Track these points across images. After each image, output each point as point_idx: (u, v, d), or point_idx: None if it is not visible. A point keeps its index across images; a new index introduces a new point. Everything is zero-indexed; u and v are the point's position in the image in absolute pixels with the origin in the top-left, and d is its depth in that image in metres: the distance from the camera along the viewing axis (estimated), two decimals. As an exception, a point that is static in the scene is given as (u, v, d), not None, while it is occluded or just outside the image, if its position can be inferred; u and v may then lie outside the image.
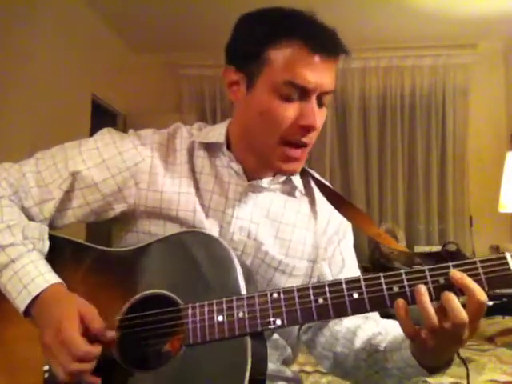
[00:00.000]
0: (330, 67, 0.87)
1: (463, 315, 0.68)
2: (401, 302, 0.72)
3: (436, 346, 0.72)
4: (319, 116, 0.88)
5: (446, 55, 3.92)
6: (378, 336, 0.91)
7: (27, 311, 0.82)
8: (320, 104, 0.88)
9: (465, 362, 0.81)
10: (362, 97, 4.04)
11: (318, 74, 0.85)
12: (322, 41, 0.86)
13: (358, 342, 0.93)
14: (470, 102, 3.92)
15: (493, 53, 3.94)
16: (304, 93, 0.85)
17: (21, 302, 0.82)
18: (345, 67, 3.90)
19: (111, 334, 0.81)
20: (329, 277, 0.99)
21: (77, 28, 3.29)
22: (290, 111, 0.86)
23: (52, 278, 0.84)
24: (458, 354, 0.79)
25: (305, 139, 0.88)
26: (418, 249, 3.83)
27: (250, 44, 0.88)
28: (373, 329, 0.94)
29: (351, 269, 1.02)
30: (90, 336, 0.78)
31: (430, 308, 0.70)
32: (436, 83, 3.96)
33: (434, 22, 3.54)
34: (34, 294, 0.81)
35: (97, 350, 0.78)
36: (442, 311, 0.70)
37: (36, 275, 0.82)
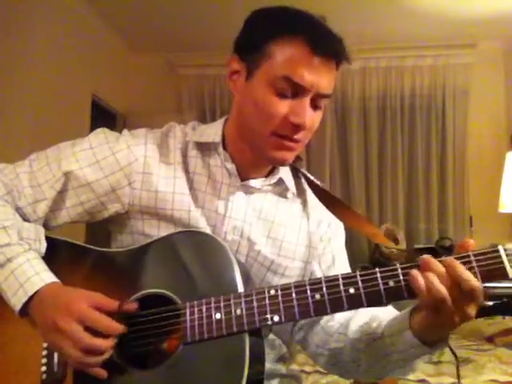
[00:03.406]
0: (329, 71, 0.88)
1: (472, 278, 0.69)
2: (413, 271, 0.72)
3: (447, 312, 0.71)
4: (312, 116, 0.88)
5: (446, 55, 3.90)
6: (372, 323, 0.90)
7: (23, 310, 0.82)
8: (315, 106, 0.88)
9: (454, 352, 0.81)
10: (361, 97, 4.02)
11: (316, 75, 0.85)
12: (325, 44, 0.86)
13: (352, 333, 0.91)
14: (470, 102, 3.90)
15: (493, 53, 3.92)
16: (299, 91, 0.85)
17: (17, 301, 0.82)
18: (345, 67, 3.89)
19: (131, 304, 0.81)
20: (318, 274, 0.99)
21: (77, 28, 3.29)
22: (282, 107, 0.86)
23: (48, 277, 0.84)
24: (451, 348, 0.78)
25: (296, 136, 0.88)
26: (418, 248, 3.81)
27: (254, 36, 0.90)
28: (365, 318, 0.92)
29: (341, 267, 1.02)
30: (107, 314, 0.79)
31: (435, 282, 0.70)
32: (436, 83, 3.94)
33: (434, 22, 3.53)
34: (30, 293, 0.81)
35: (119, 326, 0.79)
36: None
37: (32, 274, 0.82)
